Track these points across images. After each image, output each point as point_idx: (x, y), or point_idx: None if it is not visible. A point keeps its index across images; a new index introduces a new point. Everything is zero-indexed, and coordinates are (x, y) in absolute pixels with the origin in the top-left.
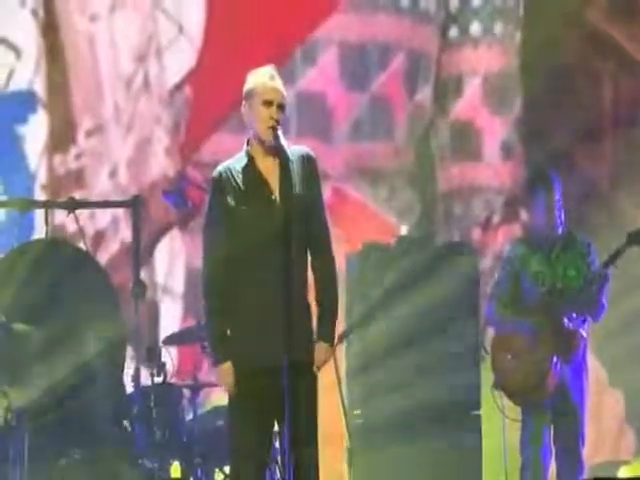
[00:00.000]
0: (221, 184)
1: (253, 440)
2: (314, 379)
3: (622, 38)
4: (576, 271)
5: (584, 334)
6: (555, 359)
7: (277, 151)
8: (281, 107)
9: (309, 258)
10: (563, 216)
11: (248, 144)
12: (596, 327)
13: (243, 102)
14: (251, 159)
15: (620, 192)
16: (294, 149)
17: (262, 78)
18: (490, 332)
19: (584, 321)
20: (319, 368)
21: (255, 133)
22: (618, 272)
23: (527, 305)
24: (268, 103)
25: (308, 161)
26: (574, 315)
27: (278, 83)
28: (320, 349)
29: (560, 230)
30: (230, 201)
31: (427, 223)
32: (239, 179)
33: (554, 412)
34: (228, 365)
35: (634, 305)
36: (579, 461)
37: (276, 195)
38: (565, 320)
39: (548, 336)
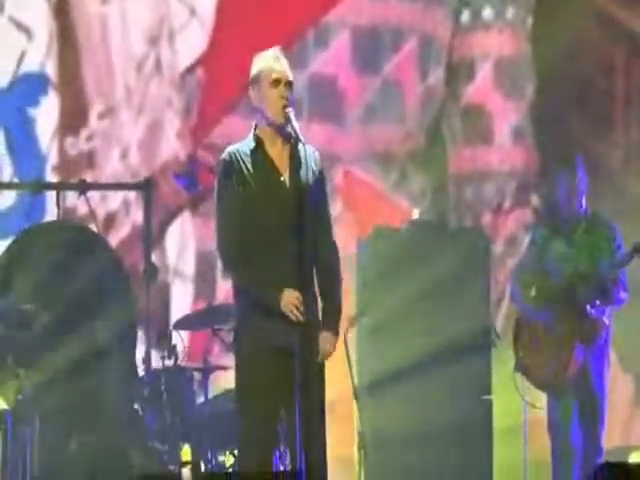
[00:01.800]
0: (230, 167)
1: (261, 423)
2: (323, 362)
3: (633, 22)
4: (601, 254)
5: (606, 320)
6: (577, 345)
7: (287, 134)
8: (289, 85)
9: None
10: (584, 199)
11: (256, 129)
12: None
13: (250, 87)
14: (260, 142)
15: (633, 177)
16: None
17: (267, 60)
18: (501, 319)
19: (606, 307)
20: (325, 358)
21: (265, 116)
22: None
23: (550, 288)
24: (276, 82)
25: (316, 160)
26: (597, 301)
27: (283, 62)
28: (325, 339)
29: (583, 212)
30: (238, 184)
31: (438, 207)
32: (248, 162)
33: (576, 397)
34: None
35: None
36: (599, 445)
37: (285, 178)
38: (588, 307)
39: (570, 322)
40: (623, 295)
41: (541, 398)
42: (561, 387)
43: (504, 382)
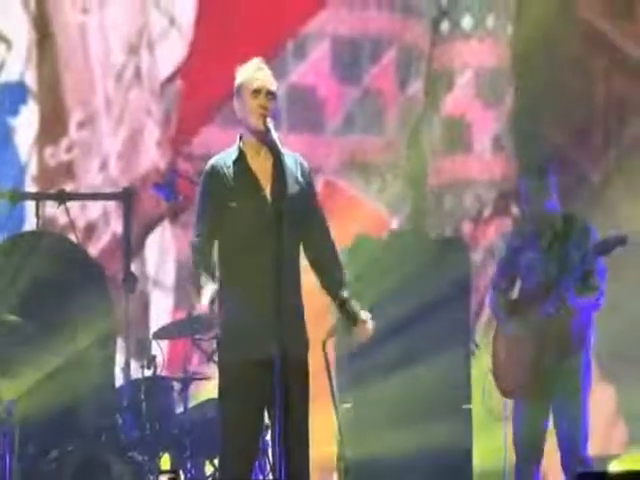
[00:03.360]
0: (212, 178)
1: (243, 433)
2: (306, 373)
3: (614, 33)
4: (571, 259)
5: (585, 327)
6: (545, 352)
7: (270, 147)
8: (270, 94)
9: (310, 254)
10: (558, 203)
11: (241, 139)
12: None
13: (234, 99)
14: (242, 154)
15: (612, 187)
16: (288, 154)
17: (249, 71)
18: (481, 328)
19: (588, 309)
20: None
21: (248, 126)
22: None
23: (523, 296)
24: (256, 92)
25: (302, 167)
26: (576, 301)
27: (265, 72)
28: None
29: (555, 217)
30: (220, 196)
31: (418, 217)
32: (229, 174)
33: (556, 405)
34: None
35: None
36: (581, 453)
37: (266, 192)
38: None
39: (538, 329)
40: (600, 294)
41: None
42: (527, 395)
43: (482, 390)
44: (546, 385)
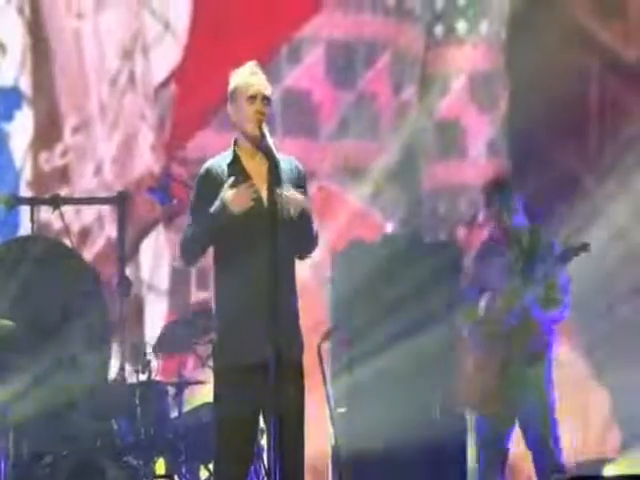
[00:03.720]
0: (206, 180)
1: (238, 437)
2: (301, 376)
3: (607, 36)
4: (540, 270)
5: (548, 337)
6: (512, 363)
7: (265, 151)
8: (266, 99)
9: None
10: (524, 218)
11: (236, 144)
12: (584, 326)
13: (228, 103)
14: (237, 158)
15: (605, 189)
16: (283, 158)
17: (243, 76)
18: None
19: (552, 322)
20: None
21: (243, 132)
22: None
23: (488, 308)
24: (252, 98)
25: (298, 170)
26: (540, 314)
27: (260, 77)
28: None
29: (522, 232)
30: (215, 198)
31: (412, 221)
32: (225, 177)
33: (523, 413)
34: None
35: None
36: (553, 460)
37: (262, 195)
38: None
39: (505, 343)
40: (563, 307)
41: None
42: (492, 406)
43: None
44: (512, 394)
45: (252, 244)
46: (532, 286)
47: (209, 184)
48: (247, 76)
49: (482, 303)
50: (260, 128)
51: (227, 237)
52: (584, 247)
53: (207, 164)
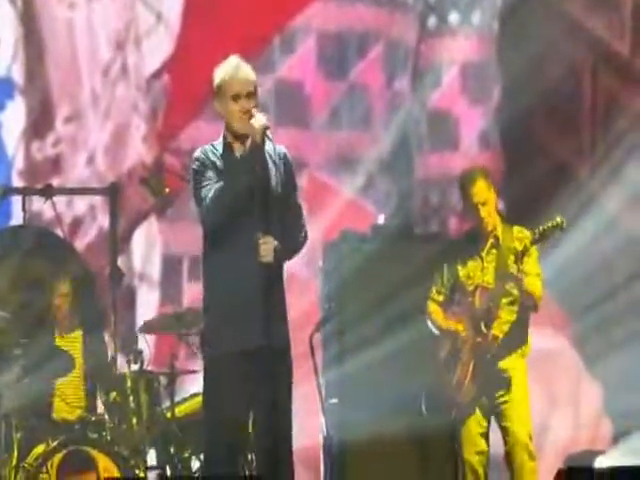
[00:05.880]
0: (203, 162)
1: (228, 426)
2: (289, 366)
3: (600, 28)
4: (506, 267)
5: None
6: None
7: (252, 150)
8: (251, 95)
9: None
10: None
11: (225, 134)
12: (576, 320)
13: (214, 99)
14: (227, 145)
15: (597, 181)
16: (272, 148)
17: (227, 71)
18: None
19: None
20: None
21: (230, 129)
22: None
23: (458, 303)
24: (236, 97)
25: (285, 161)
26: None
27: (244, 72)
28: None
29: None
30: (212, 175)
31: (404, 212)
32: (218, 162)
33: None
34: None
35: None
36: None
37: (251, 179)
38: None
39: (467, 340)
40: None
41: None
42: (454, 406)
43: None
44: (487, 387)
45: (242, 228)
46: (503, 280)
47: (204, 164)
48: (231, 71)
49: (454, 300)
50: (263, 135)
51: (218, 225)
52: (559, 225)
53: (199, 149)
